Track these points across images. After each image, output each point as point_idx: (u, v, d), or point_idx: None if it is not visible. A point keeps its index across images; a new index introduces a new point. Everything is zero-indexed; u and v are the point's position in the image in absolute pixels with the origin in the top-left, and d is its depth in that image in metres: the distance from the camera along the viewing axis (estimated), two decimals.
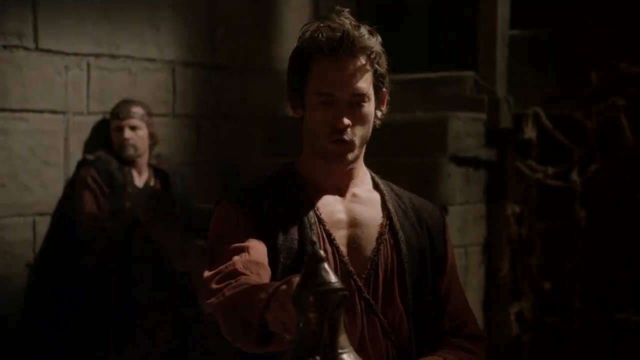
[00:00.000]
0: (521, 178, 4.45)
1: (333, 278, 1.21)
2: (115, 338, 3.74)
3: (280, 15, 4.90)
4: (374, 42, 1.74)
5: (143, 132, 3.97)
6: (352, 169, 1.81)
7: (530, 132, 4.41)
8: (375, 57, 1.74)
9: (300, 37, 1.77)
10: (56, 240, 3.90)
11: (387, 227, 1.81)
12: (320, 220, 1.77)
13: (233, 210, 1.76)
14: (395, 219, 1.82)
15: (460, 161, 4.34)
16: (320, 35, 1.72)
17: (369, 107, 1.75)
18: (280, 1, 4.89)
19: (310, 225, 1.75)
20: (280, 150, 4.72)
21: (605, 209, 4.22)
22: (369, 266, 1.77)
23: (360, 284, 1.75)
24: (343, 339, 1.21)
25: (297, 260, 1.71)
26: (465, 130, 4.37)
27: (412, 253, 1.80)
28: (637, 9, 4.24)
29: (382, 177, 1.91)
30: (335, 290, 1.19)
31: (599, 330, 4.22)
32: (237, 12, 4.66)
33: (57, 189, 3.92)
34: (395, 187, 1.91)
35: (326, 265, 1.21)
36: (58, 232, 3.90)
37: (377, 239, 1.79)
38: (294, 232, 1.74)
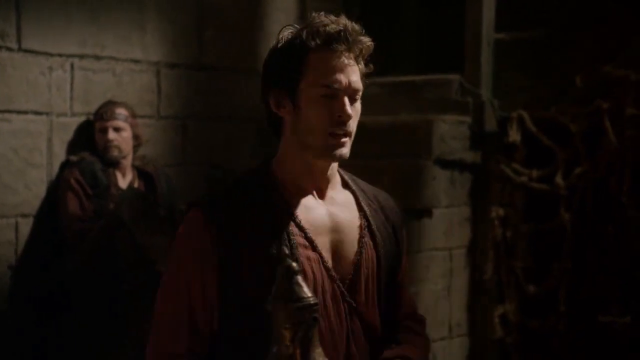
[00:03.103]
0: (506, 181, 4.46)
1: (307, 292, 1.20)
2: (100, 339, 3.73)
3: (267, 16, 4.88)
4: (367, 39, 1.75)
5: (127, 134, 3.96)
6: (333, 169, 1.80)
7: (515, 135, 4.42)
8: (365, 54, 1.75)
9: (285, 36, 1.75)
10: (39, 241, 3.88)
11: (366, 229, 1.81)
12: (301, 228, 1.74)
13: (201, 227, 1.70)
14: (371, 220, 1.83)
15: (445, 164, 4.35)
16: (317, 28, 1.72)
17: (359, 106, 1.77)
18: (267, 2, 4.88)
19: (289, 235, 1.71)
20: (269, 152, 4.72)
21: (590, 212, 4.23)
22: (352, 270, 1.77)
23: (344, 289, 1.75)
24: (318, 353, 1.20)
25: (273, 272, 1.64)
26: (450, 133, 4.37)
27: (387, 253, 1.83)
28: (621, 13, 4.25)
29: (357, 176, 1.90)
30: (310, 306, 1.19)
31: (583, 333, 4.23)
32: (223, 13, 4.65)
33: (40, 190, 3.90)
34: (359, 181, 1.90)
35: (299, 279, 1.21)
36: (41, 234, 3.88)
37: (359, 242, 1.79)
38: (274, 242, 1.69)
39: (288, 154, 1.78)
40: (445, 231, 4.39)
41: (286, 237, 1.71)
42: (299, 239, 1.73)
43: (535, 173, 4.41)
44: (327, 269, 1.74)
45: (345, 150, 1.73)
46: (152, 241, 3.73)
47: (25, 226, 3.86)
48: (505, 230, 4.44)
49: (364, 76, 1.77)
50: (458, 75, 4.54)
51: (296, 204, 1.76)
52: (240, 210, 1.72)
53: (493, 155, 4.50)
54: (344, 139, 1.72)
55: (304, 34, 1.73)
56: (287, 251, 1.23)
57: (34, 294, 3.85)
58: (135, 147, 4.02)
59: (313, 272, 1.71)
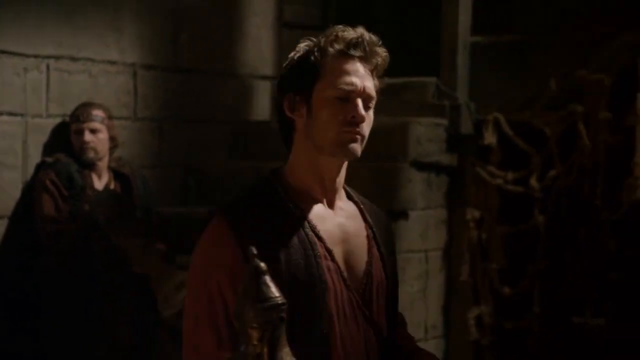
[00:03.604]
0: (482, 183, 4.49)
1: (275, 292, 1.21)
2: (75, 341, 3.71)
3: (243, 19, 4.89)
4: (383, 51, 1.79)
5: (103, 135, 3.95)
6: (341, 178, 1.82)
7: (490, 138, 4.45)
8: (380, 68, 1.79)
9: (303, 45, 1.79)
10: (14, 242, 3.86)
11: (373, 240, 1.84)
12: (320, 238, 1.77)
13: (226, 235, 1.71)
14: (376, 230, 1.86)
15: (421, 166, 4.37)
16: (335, 35, 1.76)
17: (372, 115, 1.79)
18: (244, 5, 4.89)
19: (312, 245, 1.74)
20: (246, 154, 4.73)
21: (563, 215, 4.26)
22: (364, 280, 1.80)
23: (359, 298, 1.79)
24: (285, 352, 1.21)
25: (304, 282, 1.72)
26: (426, 135, 4.39)
27: (390, 263, 1.87)
28: (595, 17, 4.30)
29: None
30: (277, 305, 1.20)
31: (557, 335, 4.26)
32: (200, 15, 4.65)
33: (15, 192, 3.88)
34: (356, 193, 1.92)
35: (267, 279, 1.21)
36: (16, 235, 3.87)
37: (368, 252, 1.82)
38: (298, 254, 1.72)
39: (300, 162, 1.80)
40: (422, 233, 4.41)
41: (310, 247, 1.74)
42: (319, 249, 1.75)
43: (510, 175, 4.44)
44: (343, 278, 1.77)
45: (358, 148, 1.75)
46: (128, 243, 3.73)
47: (0, 227, 3.84)
48: (480, 232, 4.47)
49: (378, 91, 1.79)
50: (434, 78, 4.57)
51: (311, 214, 1.79)
52: (262, 219, 1.74)
53: (469, 158, 4.52)
54: (357, 135, 1.74)
55: (322, 40, 1.77)
56: (254, 251, 1.23)
57: (8, 296, 3.83)
58: (112, 148, 4.01)
59: (333, 282, 1.75)
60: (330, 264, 1.76)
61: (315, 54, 1.76)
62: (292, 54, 1.81)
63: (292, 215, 1.76)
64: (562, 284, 4.22)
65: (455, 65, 4.49)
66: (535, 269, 4.31)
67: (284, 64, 1.83)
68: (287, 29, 5.09)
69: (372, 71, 1.77)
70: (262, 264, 1.23)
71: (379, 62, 1.78)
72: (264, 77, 4.97)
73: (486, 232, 4.46)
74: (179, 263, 3.77)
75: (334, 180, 1.80)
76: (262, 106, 4.97)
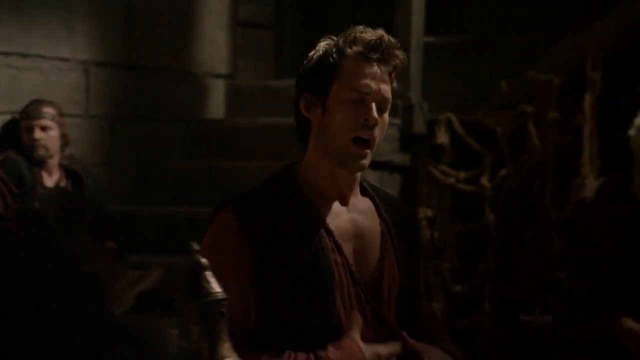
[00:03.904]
0: (434, 182, 4.53)
1: (215, 288, 1.22)
2: (23, 340, 3.67)
3: (198, 18, 4.88)
4: (401, 54, 1.80)
5: (54, 133, 3.91)
6: (356, 176, 1.84)
7: (443, 138, 4.49)
8: (398, 71, 1.80)
9: (322, 45, 1.80)
10: None
11: (387, 236, 1.86)
12: (328, 231, 1.78)
13: (233, 228, 1.74)
14: (391, 226, 1.87)
15: (374, 165, 4.39)
16: (355, 36, 1.78)
17: (387, 118, 1.80)
18: (199, 3, 4.87)
19: (320, 238, 1.76)
20: (202, 153, 4.71)
21: (514, 214, 4.32)
22: (375, 275, 1.82)
23: (367, 293, 1.80)
24: (226, 348, 1.22)
25: (310, 274, 1.75)
26: None
27: (406, 259, 1.88)
28: (546, 18, 4.36)
29: None
30: (218, 301, 1.20)
31: (507, 333, 4.32)
32: (154, 12, 4.63)
33: None
34: (375, 187, 1.95)
35: (208, 274, 1.22)
36: None
37: (381, 248, 1.84)
38: (305, 245, 1.75)
39: (313, 160, 1.81)
40: None
41: (318, 240, 1.76)
42: (328, 243, 1.77)
43: (462, 175, 4.48)
44: (351, 272, 1.79)
45: (366, 162, 1.77)
46: (78, 241, 3.70)
47: None
48: (433, 231, 4.51)
49: (392, 92, 1.81)
50: None
51: (322, 208, 1.80)
52: (270, 213, 1.76)
53: (422, 157, 4.56)
54: (366, 150, 1.76)
55: (341, 41, 1.78)
56: (196, 247, 1.24)
57: None
58: (63, 146, 3.98)
59: (340, 276, 1.77)
60: (338, 257, 1.77)
61: (334, 54, 1.77)
62: (311, 53, 1.83)
63: (301, 209, 1.78)
64: (512, 282, 4.28)
65: (409, 65, 4.48)
66: (486, 268, 4.36)
67: (304, 63, 1.84)
68: (241, 27, 5.09)
69: (390, 74, 1.79)
70: (203, 260, 1.23)
71: (398, 65, 1.79)
72: (219, 76, 4.96)
73: (438, 231, 4.50)
74: (131, 262, 3.76)
75: (347, 179, 1.81)
76: (217, 104, 4.96)
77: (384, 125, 1.79)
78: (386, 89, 1.78)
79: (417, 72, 4.56)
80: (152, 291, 3.68)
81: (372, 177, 4.39)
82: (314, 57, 1.81)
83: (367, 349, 1.74)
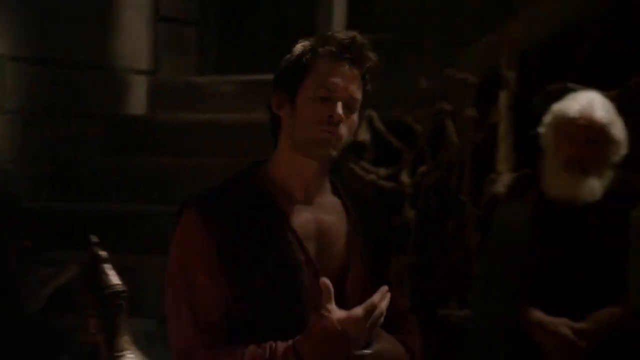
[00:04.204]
0: (356, 179, 4.57)
1: (114, 280, 1.22)
2: None
3: (119, 12, 4.83)
4: (374, 56, 1.87)
5: None
6: (323, 175, 1.86)
7: (364, 135, 4.53)
8: (370, 72, 1.86)
9: (299, 47, 1.85)
10: None
11: (353, 235, 1.87)
12: (292, 230, 1.81)
13: (199, 228, 1.76)
14: (360, 225, 1.89)
15: None
16: (328, 36, 1.84)
17: (355, 118, 1.85)
18: None
19: (284, 236, 1.79)
20: (120, 149, 4.66)
21: (432, 209, 4.39)
22: (339, 274, 1.83)
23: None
24: (124, 340, 1.22)
25: (276, 272, 1.77)
26: None
27: (373, 258, 1.90)
28: (464, 17, 4.44)
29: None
30: (116, 293, 1.20)
31: (426, 326, 4.38)
32: (73, 7, 4.56)
33: None
34: (351, 186, 2.07)
35: (107, 267, 1.22)
36: None
37: (346, 247, 1.86)
38: (270, 244, 1.78)
39: (283, 158, 1.85)
40: None
41: (282, 238, 1.78)
42: (292, 241, 1.80)
43: (382, 171, 4.54)
44: (315, 270, 1.81)
45: (333, 150, 1.81)
46: None
47: None
48: None
49: (364, 94, 1.86)
50: None
51: (286, 207, 1.83)
52: (235, 211, 1.79)
53: (343, 154, 4.59)
54: (331, 137, 1.79)
55: (314, 40, 1.85)
56: (95, 239, 1.24)
57: None
58: None
59: (304, 274, 1.79)
60: (302, 256, 1.80)
61: (308, 54, 1.83)
62: (288, 55, 1.88)
63: (266, 207, 1.81)
64: (430, 276, 4.35)
65: None
66: (405, 262, 4.42)
67: (279, 65, 1.89)
68: (163, 22, 5.06)
69: (361, 75, 1.84)
70: (102, 252, 1.23)
71: (370, 66, 1.85)
72: (140, 71, 4.93)
73: None
74: (45, 259, 3.70)
75: (314, 177, 1.85)
76: (138, 100, 4.92)
77: (352, 125, 1.84)
78: (355, 89, 1.82)
79: None
80: (66, 288, 3.63)
81: None
82: (289, 58, 1.86)
83: (341, 318, 1.72)
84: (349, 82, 1.81)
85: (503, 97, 4.07)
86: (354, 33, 1.85)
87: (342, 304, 1.80)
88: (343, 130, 1.81)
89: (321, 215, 1.86)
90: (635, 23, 3.81)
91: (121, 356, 1.19)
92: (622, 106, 3.24)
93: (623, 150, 2.97)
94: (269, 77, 5.12)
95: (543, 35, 3.96)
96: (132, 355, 1.22)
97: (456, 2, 4.51)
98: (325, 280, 1.74)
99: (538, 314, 2.89)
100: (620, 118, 2.98)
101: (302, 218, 1.83)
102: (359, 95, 1.84)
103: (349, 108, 1.82)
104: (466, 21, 4.44)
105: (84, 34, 4.60)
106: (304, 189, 1.85)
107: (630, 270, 2.89)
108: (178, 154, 4.45)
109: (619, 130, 2.96)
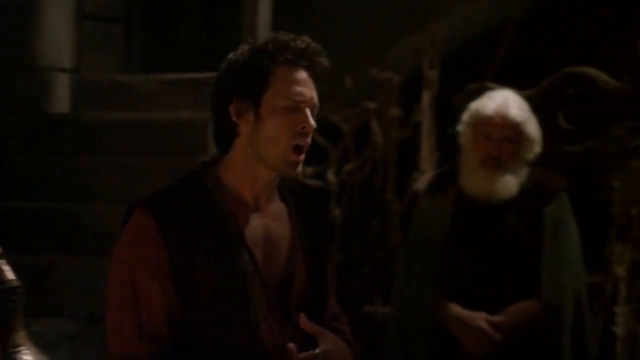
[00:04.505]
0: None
1: (9, 276, 1.21)
2: None
3: (42, 10, 4.75)
4: (326, 60, 1.86)
5: None
6: (275, 183, 1.85)
7: None
8: (321, 74, 1.86)
9: (246, 50, 1.82)
10: None
11: (297, 241, 1.86)
12: (242, 237, 1.78)
13: (151, 231, 1.73)
14: (304, 232, 1.88)
15: None
16: (285, 43, 1.81)
17: (314, 123, 1.83)
18: None
19: (233, 243, 1.77)
20: (44, 147, 4.58)
21: (357, 208, 4.44)
22: (283, 280, 1.82)
23: (277, 297, 1.81)
24: (19, 336, 1.21)
25: (224, 279, 1.75)
26: None
27: (316, 263, 1.89)
28: (388, 18, 4.49)
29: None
30: (10, 289, 1.19)
31: (352, 324, 4.42)
32: None
33: None
34: (296, 189, 1.96)
35: (2, 263, 1.21)
36: None
37: (289, 254, 1.85)
38: (218, 250, 1.75)
39: (237, 163, 1.81)
40: None
41: (230, 245, 1.77)
42: (240, 248, 1.78)
43: (309, 170, 4.56)
44: (261, 277, 1.80)
45: (301, 168, 1.82)
46: None
47: None
48: None
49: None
50: None
51: (236, 212, 1.80)
52: (186, 215, 1.77)
53: None
54: (302, 157, 1.80)
55: (271, 46, 1.80)
56: None
57: None
58: None
59: (251, 281, 1.78)
60: (249, 263, 1.78)
61: (264, 60, 1.79)
62: (232, 56, 1.84)
63: (216, 212, 1.78)
64: (356, 274, 4.39)
65: None
66: (332, 261, 4.46)
67: (225, 67, 1.84)
68: (88, 20, 5.00)
69: (314, 78, 1.84)
70: None
71: (322, 71, 1.85)
72: (64, 70, 4.85)
73: None
74: None
75: (266, 186, 1.83)
76: (61, 98, 4.85)
77: (312, 132, 1.83)
78: (316, 96, 1.84)
79: None
80: None
81: None
82: (240, 60, 1.82)
83: None
84: (311, 90, 1.83)
85: (426, 97, 4.14)
86: (307, 40, 1.84)
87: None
88: (309, 138, 1.83)
89: (269, 221, 1.85)
90: (550, 27, 3.92)
91: (16, 352, 1.18)
92: (537, 105, 3.33)
93: (537, 148, 3.04)
94: (195, 75, 5.10)
95: (464, 36, 4.04)
96: (27, 351, 1.20)
97: (382, 2, 4.57)
98: (291, 345, 1.75)
99: (456, 309, 2.94)
100: (534, 116, 3.05)
101: (252, 225, 1.81)
102: (317, 101, 1.85)
103: (312, 114, 1.83)
104: (392, 21, 4.49)
105: (6, 32, 4.51)
106: (255, 196, 1.83)
107: (544, 265, 2.96)
108: (103, 152, 4.39)
109: (533, 128, 3.02)
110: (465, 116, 3.08)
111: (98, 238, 3.93)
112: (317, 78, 1.86)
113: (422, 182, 3.26)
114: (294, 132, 1.78)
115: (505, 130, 2.98)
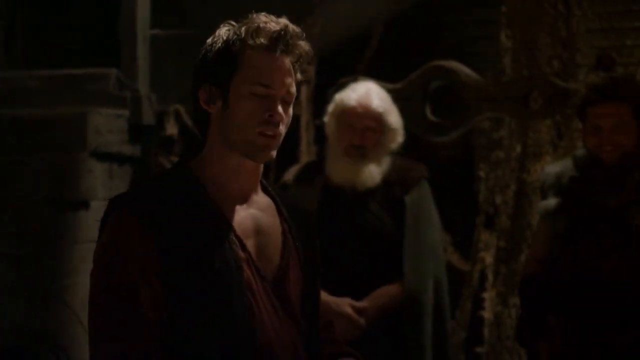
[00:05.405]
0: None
1: None
2: None
3: None
4: (306, 44, 1.74)
5: None
6: (258, 173, 1.78)
7: (172, 129, 4.56)
8: (303, 61, 1.74)
9: (222, 33, 1.73)
10: None
11: (288, 234, 1.80)
12: (230, 228, 1.71)
13: (134, 231, 1.65)
14: (292, 225, 1.82)
15: (102, 157, 4.38)
16: (257, 25, 1.71)
17: (291, 112, 1.75)
18: None
19: (223, 234, 1.69)
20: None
21: None
22: (278, 272, 1.76)
23: (274, 289, 1.75)
24: None
25: (217, 271, 1.68)
26: (107, 126, 4.41)
27: (307, 258, 1.83)
28: (269, 12, 4.54)
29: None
30: None
31: None
32: None
33: None
34: (275, 186, 1.94)
35: None
36: None
37: (282, 245, 1.79)
38: (209, 243, 1.68)
39: (215, 154, 1.74)
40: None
41: (221, 237, 1.69)
42: (231, 239, 1.70)
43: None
44: (257, 268, 1.73)
45: (273, 152, 1.72)
46: None
47: None
48: None
49: (299, 84, 1.76)
50: (115, 69, 4.60)
51: (222, 204, 1.73)
52: (171, 211, 1.68)
53: (152, 148, 4.61)
54: (272, 141, 1.71)
55: (243, 30, 1.71)
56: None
57: None
58: None
59: (246, 272, 1.71)
60: (242, 253, 1.71)
61: (236, 44, 1.70)
62: (209, 40, 1.74)
63: (202, 205, 1.70)
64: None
65: (136, 57, 4.56)
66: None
67: (201, 52, 1.75)
68: None
69: (293, 64, 1.73)
70: None
71: (302, 55, 1.73)
72: None
73: None
74: None
75: (249, 175, 1.76)
76: None
77: (288, 119, 1.75)
78: (290, 82, 1.72)
79: (144, 64, 4.60)
80: None
81: (100, 168, 4.38)
82: (214, 46, 1.73)
83: None
84: (284, 76, 1.70)
85: (303, 91, 4.21)
86: (284, 22, 1.73)
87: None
88: (282, 128, 1.72)
89: (257, 212, 1.78)
90: (417, 27, 4.05)
91: None
92: (403, 97, 3.44)
93: (400, 138, 3.15)
94: (77, 71, 5.02)
95: (338, 33, 4.13)
96: None
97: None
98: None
99: (322, 294, 3.02)
100: (396, 107, 3.15)
101: (240, 216, 1.74)
102: (294, 88, 1.73)
103: (286, 102, 1.73)
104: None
105: None
106: (239, 186, 1.75)
107: (405, 251, 3.06)
108: None
109: (394, 118, 3.13)
110: (330, 107, 3.17)
111: None
112: (298, 64, 1.75)
113: (290, 173, 3.33)
114: (260, 120, 1.70)
115: (368, 120, 3.07)
